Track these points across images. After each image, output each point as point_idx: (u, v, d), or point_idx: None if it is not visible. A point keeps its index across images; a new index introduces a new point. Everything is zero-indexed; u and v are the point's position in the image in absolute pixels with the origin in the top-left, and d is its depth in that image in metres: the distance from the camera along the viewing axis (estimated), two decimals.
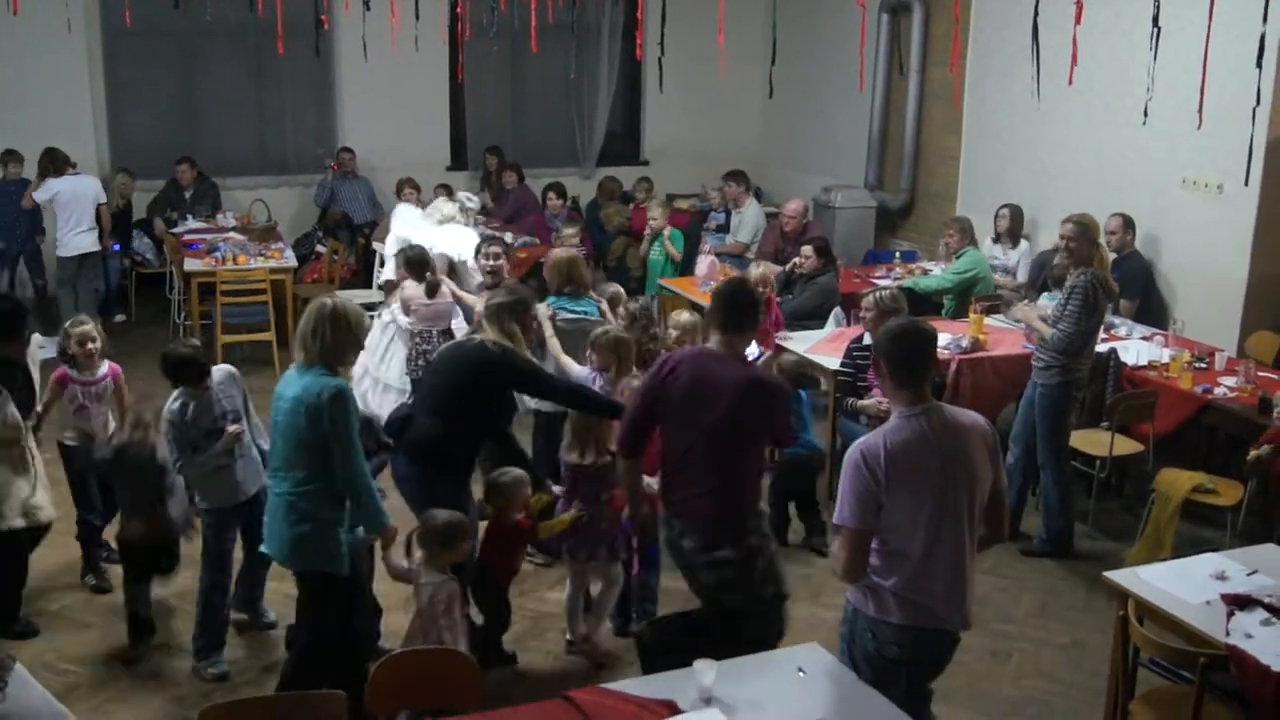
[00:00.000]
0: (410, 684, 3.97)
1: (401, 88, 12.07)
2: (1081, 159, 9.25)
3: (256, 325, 9.80)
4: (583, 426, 5.36)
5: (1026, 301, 7.79)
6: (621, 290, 7.38)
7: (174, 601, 5.93)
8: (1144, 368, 7.26)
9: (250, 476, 5.37)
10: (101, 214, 10.40)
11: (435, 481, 5.09)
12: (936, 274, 9.43)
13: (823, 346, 7.57)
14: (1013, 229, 9.59)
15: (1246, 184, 7.27)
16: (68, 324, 6.00)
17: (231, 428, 5.24)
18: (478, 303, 7.30)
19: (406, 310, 7.46)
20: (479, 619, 5.27)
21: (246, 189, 12.19)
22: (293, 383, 4.64)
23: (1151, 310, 8.40)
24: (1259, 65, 5.74)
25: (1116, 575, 4.68)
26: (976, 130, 10.55)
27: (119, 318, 10.89)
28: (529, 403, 6.52)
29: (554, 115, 13.45)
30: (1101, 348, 7.06)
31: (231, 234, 10.71)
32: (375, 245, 10.67)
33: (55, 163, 10.27)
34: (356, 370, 7.78)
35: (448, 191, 11.82)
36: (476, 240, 8.33)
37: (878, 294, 6.85)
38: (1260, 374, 7.01)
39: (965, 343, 7.53)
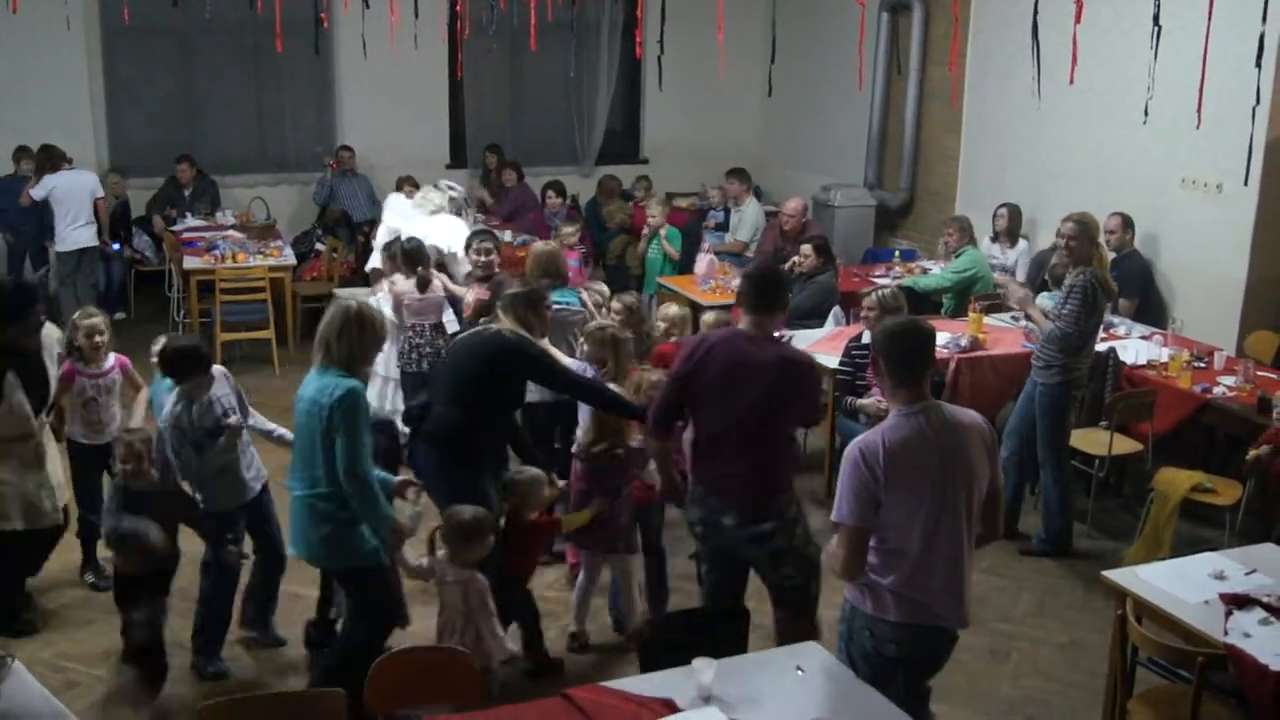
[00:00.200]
0: (410, 683, 3.97)
1: (401, 86, 12.06)
2: (1081, 158, 9.26)
3: (255, 323, 9.79)
4: (605, 417, 5.41)
5: (1024, 288, 7.79)
6: (605, 288, 7.44)
7: (174, 600, 5.93)
8: (1143, 367, 7.26)
9: (255, 474, 5.36)
10: (99, 208, 10.39)
11: (454, 471, 5.10)
12: (936, 273, 9.43)
13: (822, 345, 7.57)
14: (1011, 228, 9.60)
15: (1246, 184, 7.28)
16: (76, 316, 5.97)
17: (231, 419, 5.21)
18: (468, 295, 7.33)
19: (398, 305, 7.46)
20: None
21: (245, 187, 12.17)
22: (311, 383, 4.66)
23: (1151, 309, 8.40)
24: (1258, 65, 5.75)
25: (1115, 574, 4.69)
26: (976, 129, 10.55)
27: (118, 315, 10.89)
28: None
29: (553, 113, 13.44)
30: (1100, 347, 7.06)
31: (231, 232, 10.71)
32: (374, 243, 10.66)
33: (51, 159, 10.26)
34: None
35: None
36: (467, 232, 8.35)
37: (880, 293, 6.86)
38: (1259, 373, 7.01)
39: (964, 342, 7.53)
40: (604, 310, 6.95)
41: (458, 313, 7.68)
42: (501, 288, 7.17)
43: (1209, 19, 5.87)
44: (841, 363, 6.96)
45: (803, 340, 7.69)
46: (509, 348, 5.23)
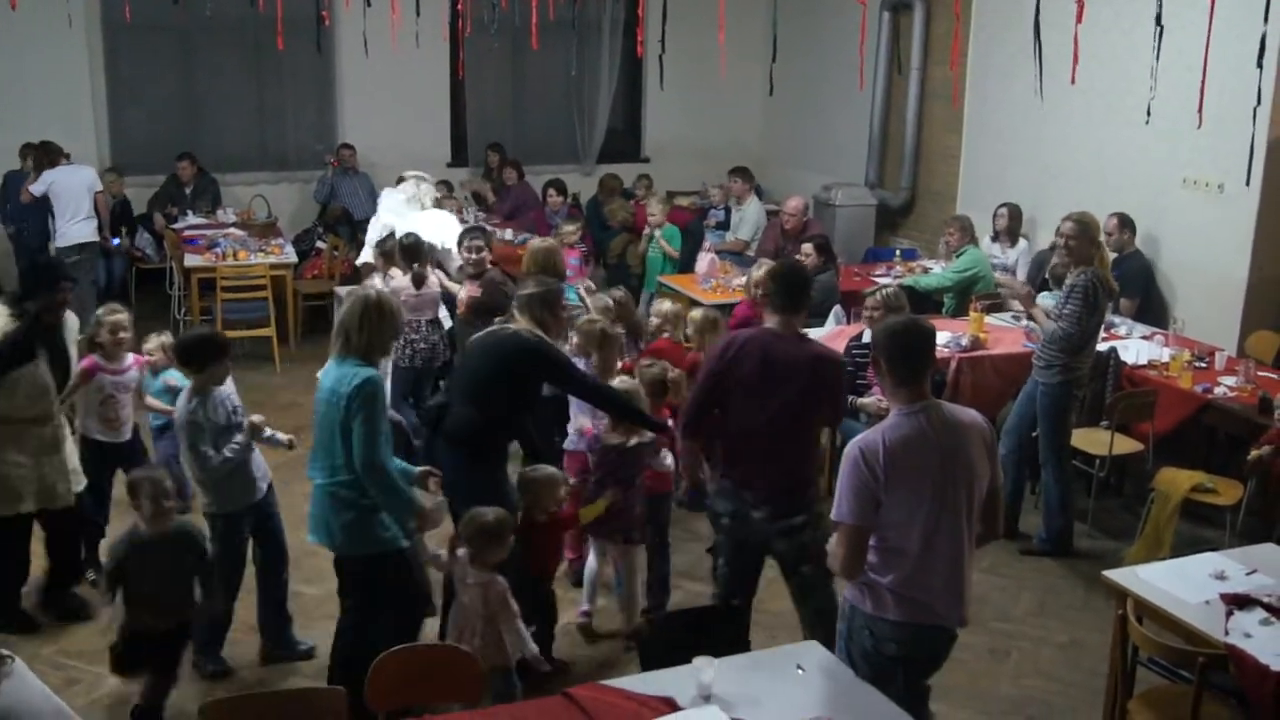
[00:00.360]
0: (412, 681, 3.97)
1: (402, 84, 12.07)
2: (1082, 158, 9.26)
3: (256, 321, 9.79)
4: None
5: (1027, 287, 7.79)
6: (592, 285, 7.51)
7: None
8: (1144, 367, 7.26)
9: (261, 473, 5.35)
10: (99, 202, 10.39)
11: (473, 469, 5.10)
12: (937, 272, 9.43)
13: None
14: (1011, 228, 9.60)
15: (1247, 184, 7.28)
16: (100, 311, 5.97)
17: (254, 417, 5.24)
18: (461, 291, 7.34)
19: None
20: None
21: (246, 185, 12.18)
22: (329, 373, 4.68)
23: (1152, 309, 8.40)
24: (1259, 65, 5.74)
25: (1116, 574, 4.69)
26: (977, 129, 10.55)
27: None
28: None
29: (554, 112, 13.45)
30: (1101, 347, 7.06)
31: (232, 230, 10.72)
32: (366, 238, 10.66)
33: (49, 154, 10.30)
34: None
35: (448, 187, 11.87)
36: (458, 227, 8.36)
37: (883, 292, 6.88)
38: (1260, 374, 7.01)
39: (965, 341, 7.54)
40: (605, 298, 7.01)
41: (452, 310, 7.70)
42: (493, 285, 7.21)
43: (1210, 19, 5.87)
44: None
45: None
46: (527, 348, 5.21)
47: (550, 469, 5.27)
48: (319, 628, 5.50)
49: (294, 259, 10.40)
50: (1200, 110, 6.33)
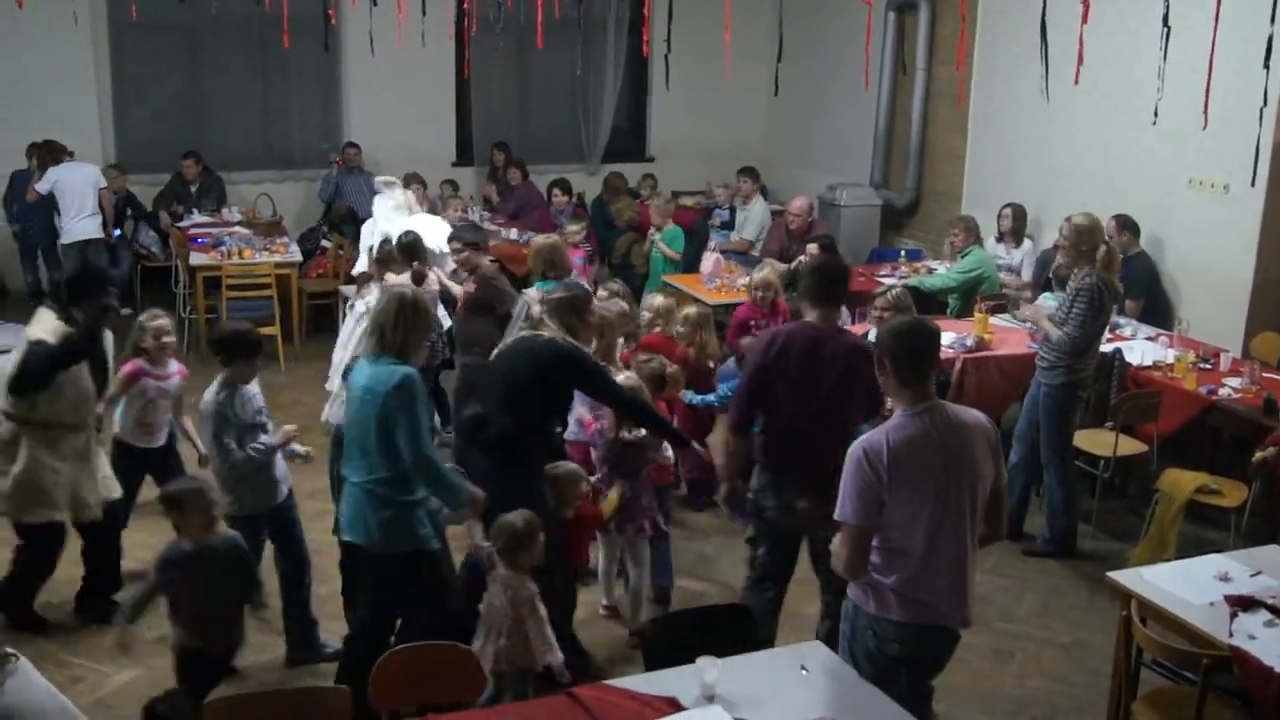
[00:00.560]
0: (415, 679, 3.97)
1: (408, 83, 12.07)
2: (1087, 159, 9.25)
3: (261, 320, 9.77)
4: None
5: (1029, 298, 7.78)
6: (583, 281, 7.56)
7: None
8: (1149, 368, 7.25)
9: (282, 474, 5.35)
10: (103, 198, 10.41)
11: (507, 475, 5.08)
12: (942, 273, 9.42)
13: None
14: (1015, 228, 9.59)
15: (1253, 185, 7.26)
16: (143, 317, 5.94)
17: (287, 427, 5.26)
18: (459, 290, 7.36)
19: None
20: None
21: (252, 183, 12.19)
22: (363, 372, 4.69)
23: (1157, 310, 8.39)
24: (1266, 66, 5.72)
25: (1120, 575, 4.68)
26: (982, 129, 10.54)
27: (125, 311, 10.90)
28: None
29: (560, 111, 13.45)
30: (1106, 348, 7.06)
31: (237, 228, 10.74)
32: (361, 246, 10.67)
33: (51, 152, 10.34)
34: (337, 361, 7.82)
35: (453, 187, 11.87)
36: (448, 229, 8.38)
37: (892, 293, 6.92)
38: (1265, 375, 7.00)
39: (970, 342, 7.53)
40: (600, 290, 7.11)
41: (450, 309, 7.70)
42: (485, 280, 7.23)
43: (1216, 20, 5.86)
44: None
45: None
46: (562, 355, 5.22)
47: (571, 465, 5.33)
48: (325, 628, 5.52)
49: (299, 257, 10.41)
50: (1206, 111, 6.32)
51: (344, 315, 8.22)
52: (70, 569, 6.03)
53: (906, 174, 11.45)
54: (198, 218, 11.21)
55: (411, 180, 10.66)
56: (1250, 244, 7.94)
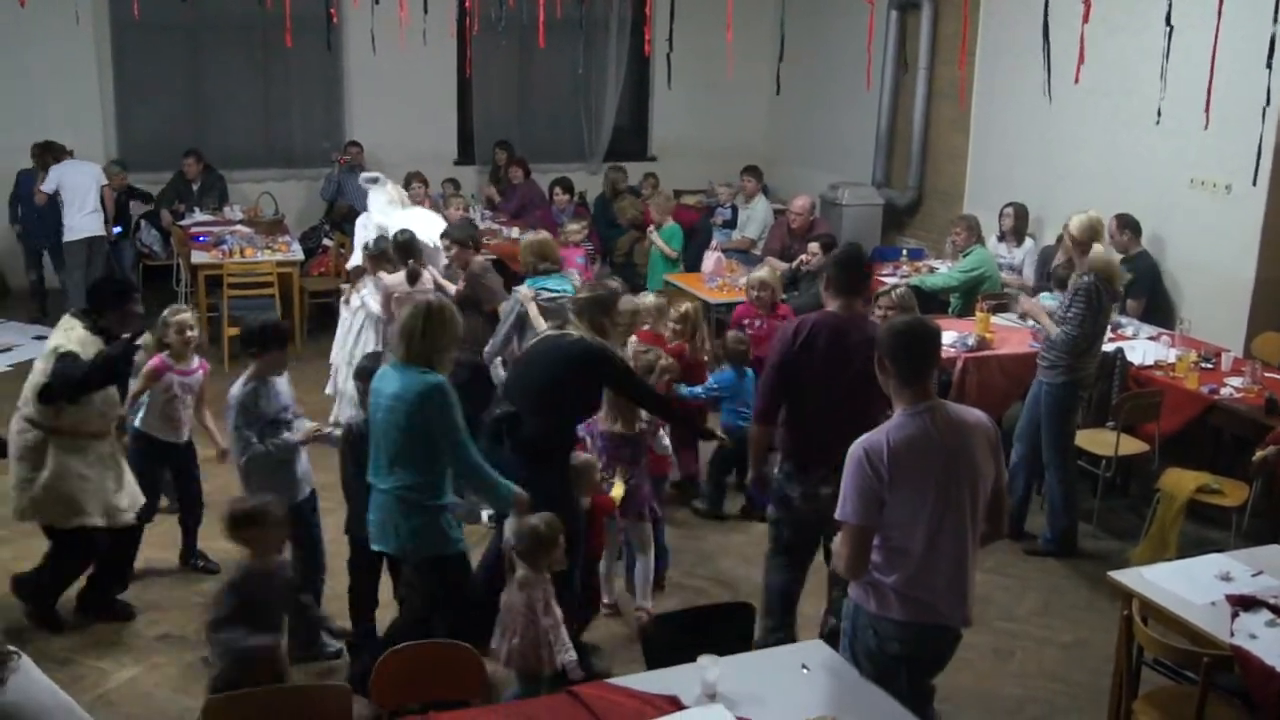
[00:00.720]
0: (416, 677, 3.98)
1: (409, 82, 12.07)
2: (1089, 158, 9.24)
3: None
4: (621, 402, 5.58)
5: (1028, 290, 7.78)
6: (577, 276, 7.67)
7: (181, 594, 5.96)
8: (1150, 367, 7.25)
9: (304, 474, 5.34)
10: (105, 196, 10.43)
11: (539, 475, 5.07)
12: (943, 272, 9.42)
13: None
14: (1017, 227, 9.59)
15: (1255, 184, 7.25)
16: (166, 312, 5.95)
17: (310, 425, 5.28)
18: (452, 289, 7.38)
19: (387, 298, 7.48)
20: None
21: (254, 182, 12.20)
22: (391, 380, 4.69)
23: (1158, 310, 8.39)
24: (1269, 65, 5.73)
25: (1121, 575, 4.68)
26: (984, 128, 10.54)
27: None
28: (501, 375, 6.66)
29: (561, 111, 13.45)
30: (1108, 347, 7.06)
31: (238, 227, 10.74)
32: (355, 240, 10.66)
33: (52, 152, 10.39)
34: (336, 360, 7.84)
35: (455, 185, 11.87)
36: (443, 223, 8.40)
37: (896, 292, 6.93)
38: (1266, 375, 6.99)
39: (971, 341, 7.53)
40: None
41: None
42: (473, 277, 7.24)
43: (1219, 19, 5.86)
44: None
45: None
46: (594, 354, 5.25)
47: (585, 455, 5.41)
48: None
49: (300, 256, 10.42)
50: (1208, 111, 6.32)
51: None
52: None
53: (908, 173, 11.45)
54: (199, 216, 11.22)
55: (413, 179, 10.67)
56: (1252, 243, 7.94)
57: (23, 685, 2.96)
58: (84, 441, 5.33)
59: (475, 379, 6.68)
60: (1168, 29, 6.05)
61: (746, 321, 7.49)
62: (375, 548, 4.87)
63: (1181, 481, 6.33)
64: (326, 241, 11.38)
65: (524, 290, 6.77)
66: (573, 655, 4.64)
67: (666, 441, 6.09)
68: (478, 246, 7.52)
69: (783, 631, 5.13)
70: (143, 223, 11.39)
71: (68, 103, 11.32)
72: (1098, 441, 6.95)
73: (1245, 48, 6.49)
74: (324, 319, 10.42)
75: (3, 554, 6.28)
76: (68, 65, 11.32)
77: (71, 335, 5.22)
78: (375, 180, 9.06)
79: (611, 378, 5.37)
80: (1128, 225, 8.31)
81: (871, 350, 4.78)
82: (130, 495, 5.57)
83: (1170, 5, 5.97)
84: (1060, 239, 7.43)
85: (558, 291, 6.83)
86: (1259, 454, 6.06)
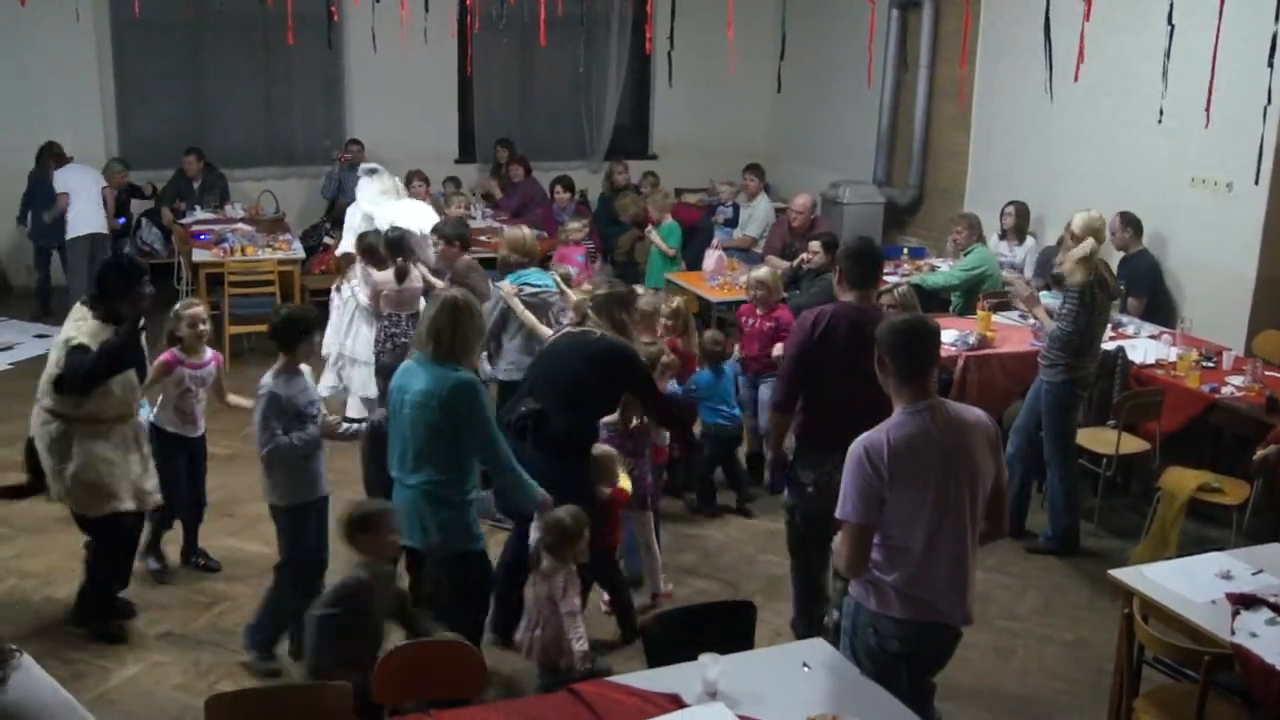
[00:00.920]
0: (417, 675, 3.98)
1: (410, 80, 12.07)
2: (1090, 157, 9.24)
3: (264, 317, 9.77)
4: (629, 398, 5.62)
5: (1027, 282, 7.78)
6: (570, 270, 7.70)
7: (182, 592, 5.96)
8: (1151, 366, 7.25)
9: (323, 470, 5.34)
10: (106, 195, 10.46)
11: (565, 471, 5.12)
12: (944, 270, 9.41)
13: None
14: (1019, 226, 9.59)
15: (1256, 183, 7.25)
16: (178, 305, 5.97)
17: (330, 418, 5.31)
18: (440, 285, 7.36)
19: (376, 294, 7.50)
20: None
21: (255, 180, 12.20)
22: (418, 375, 4.70)
23: (1159, 309, 8.39)
24: (1270, 64, 5.73)
25: (1121, 573, 4.69)
26: (985, 127, 10.54)
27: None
28: (486, 369, 6.71)
29: (562, 109, 13.45)
30: (1109, 346, 7.06)
31: (239, 225, 10.74)
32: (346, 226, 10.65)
33: (54, 155, 10.45)
34: (328, 351, 7.85)
35: (455, 184, 11.88)
36: (434, 217, 8.42)
37: (898, 291, 6.96)
38: (1267, 373, 6.99)
39: (972, 339, 7.53)
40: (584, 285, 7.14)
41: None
42: (461, 277, 7.24)
43: (1220, 18, 5.86)
44: None
45: None
46: (617, 353, 5.31)
47: (606, 447, 5.46)
48: None
49: (302, 254, 10.43)
50: (1209, 109, 6.32)
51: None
52: (70, 562, 6.06)
53: (909, 171, 11.45)
54: (200, 214, 11.22)
55: (414, 177, 10.67)
56: (1253, 242, 7.94)
57: (24, 683, 2.95)
58: (106, 427, 5.30)
59: None
60: (1169, 28, 6.05)
61: (744, 319, 7.50)
62: (404, 543, 4.83)
63: (1182, 480, 6.33)
64: (327, 240, 11.37)
65: (507, 285, 6.80)
66: (585, 645, 4.69)
67: (665, 436, 6.18)
68: (466, 245, 7.51)
69: (812, 623, 5.26)
70: (144, 221, 11.39)
71: (68, 101, 11.32)
72: (1099, 440, 6.95)
73: (1246, 47, 6.49)
74: (325, 317, 10.40)
75: (3, 553, 6.30)
76: (68, 63, 11.32)
77: (83, 327, 5.20)
78: (373, 171, 9.07)
79: (634, 379, 5.41)
80: (1130, 223, 8.31)
81: None
82: (155, 477, 5.58)
83: (1171, 4, 5.96)
84: (1061, 239, 7.43)
85: (540, 286, 6.88)
86: (1260, 453, 6.06)
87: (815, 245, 8.53)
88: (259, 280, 9.73)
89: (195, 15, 10.94)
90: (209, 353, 6.00)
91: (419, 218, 8.36)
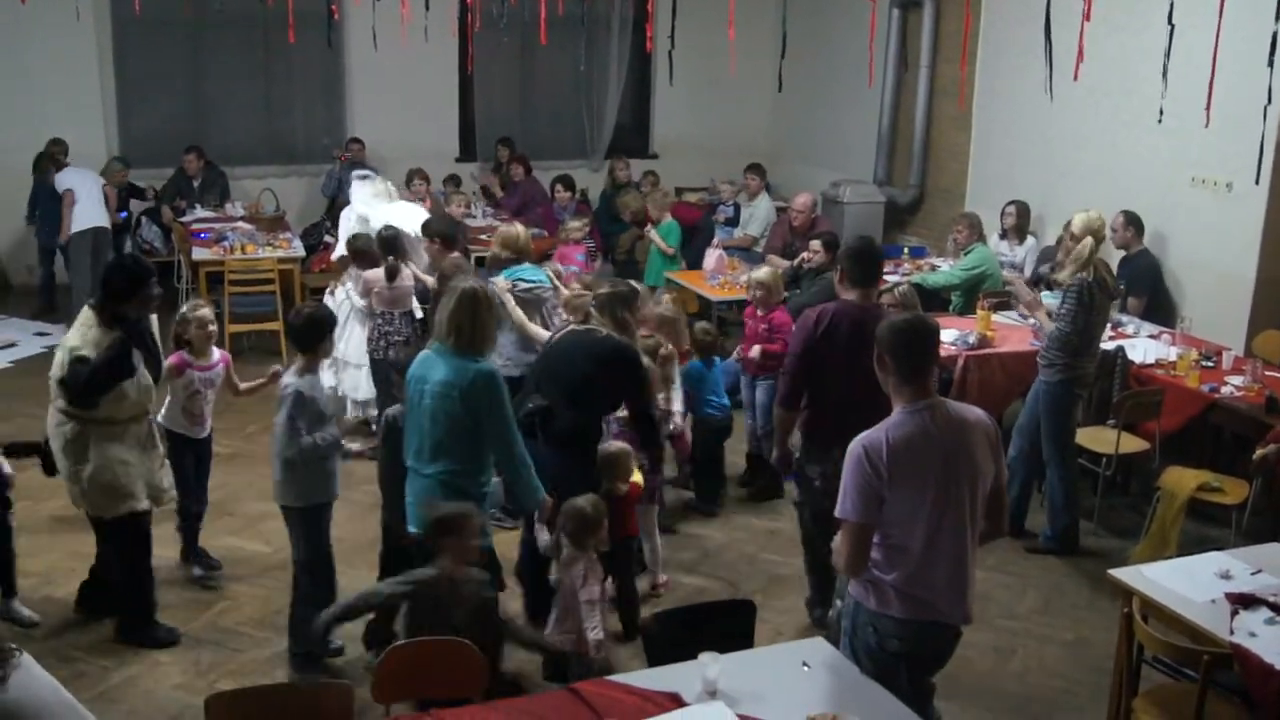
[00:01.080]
0: (417, 674, 3.98)
1: (411, 79, 12.07)
2: (1091, 156, 9.24)
3: (264, 315, 9.82)
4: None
5: (1026, 279, 7.78)
6: (559, 268, 7.74)
7: (182, 592, 5.97)
8: (1151, 366, 7.25)
9: (338, 474, 5.34)
10: (108, 193, 10.49)
11: (573, 467, 5.20)
12: (945, 270, 9.41)
13: None
14: (1019, 225, 9.60)
15: (1256, 183, 7.26)
16: (185, 308, 5.97)
17: (346, 417, 5.28)
18: (430, 282, 7.45)
19: (368, 292, 7.52)
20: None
21: (255, 178, 12.21)
22: (437, 366, 4.74)
23: (1159, 308, 8.39)
24: (1270, 64, 5.73)
25: (1121, 573, 4.69)
26: (986, 126, 10.54)
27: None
28: None
29: (563, 108, 13.45)
30: (1109, 345, 7.05)
31: (240, 223, 10.74)
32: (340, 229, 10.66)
33: (55, 157, 10.45)
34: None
35: (456, 182, 11.88)
36: (425, 216, 8.42)
37: (899, 290, 6.98)
38: (1267, 373, 6.99)
39: (972, 339, 7.53)
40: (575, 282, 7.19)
41: (423, 300, 7.71)
42: (446, 278, 7.23)
43: (1220, 18, 5.86)
44: None
45: None
46: (623, 354, 5.39)
47: (621, 444, 5.53)
48: None
49: (302, 253, 10.44)
50: (1209, 109, 6.32)
51: None
52: (70, 562, 6.07)
53: (910, 171, 11.45)
54: (200, 213, 11.22)
55: (415, 176, 10.68)
56: (1253, 242, 7.94)
57: (24, 682, 2.96)
58: (121, 428, 5.29)
59: None
60: (1169, 28, 6.05)
61: (749, 320, 7.50)
62: (413, 530, 4.87)
63: (1182, 480, 6.33)
64: (328, 238, 11.35)
65: (500, 281, 6.83)
66: (601, 634, 4.74)
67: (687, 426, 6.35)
68: (451, 243, 7.52)
69: (826, 601, 5.33)
70: (144, 219, 11.39)
71: (69, 99, 11.33)
72: (1098, 439, 6.96)
73: (1246, 46, 6.49)
74: None
75: None
76: (69, 62, 11.33)
77: (87, 335, 5.15)
78: (366, 176, 9.09)
79: (634, 383, 5.45)
80: (1132, 222, 8.31)
81: None
82: (170, 474, 5.59)
83: (1171, 4, 5.96)
84: (1060, 239, 7.43)
85: (534, 282, 6.91)
86: (1259, 452, 6.06)
87: (816, 244, 8.53)
88: (259, 279, 9.73)
89: (196, 14, 10.94)
90: (217, 354, 6.00)
91: (412, 220, 8.38)
